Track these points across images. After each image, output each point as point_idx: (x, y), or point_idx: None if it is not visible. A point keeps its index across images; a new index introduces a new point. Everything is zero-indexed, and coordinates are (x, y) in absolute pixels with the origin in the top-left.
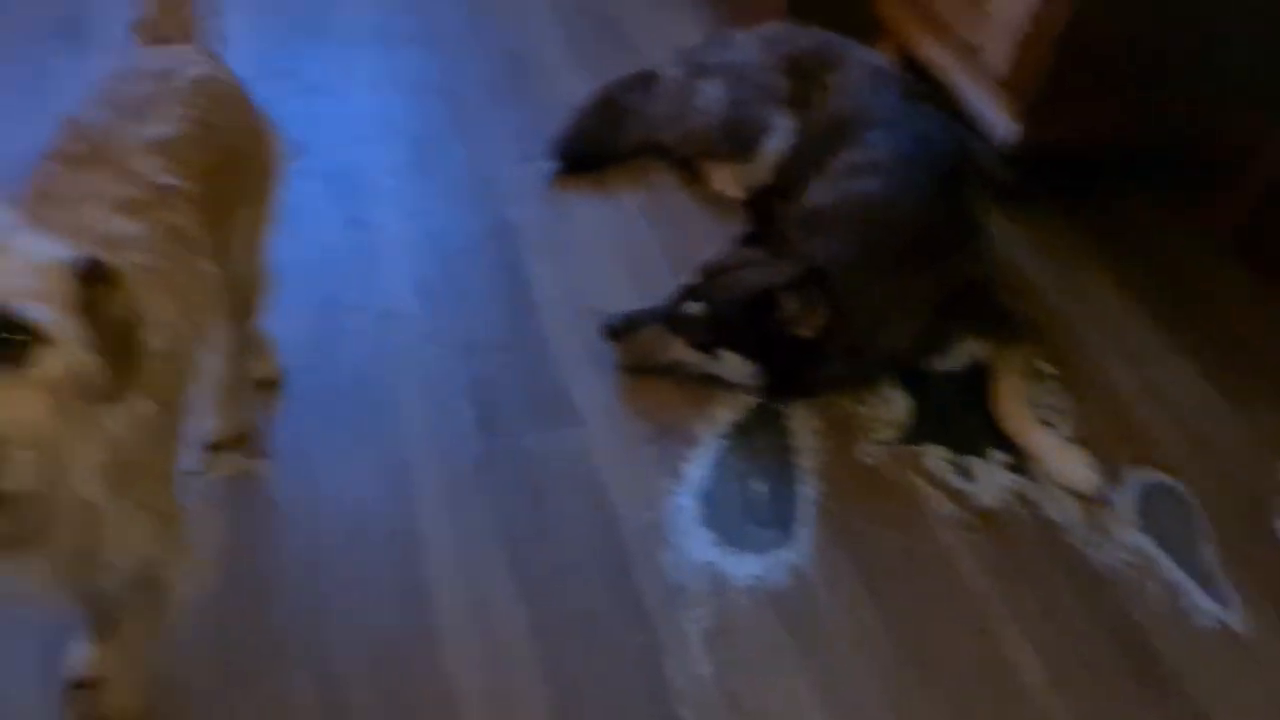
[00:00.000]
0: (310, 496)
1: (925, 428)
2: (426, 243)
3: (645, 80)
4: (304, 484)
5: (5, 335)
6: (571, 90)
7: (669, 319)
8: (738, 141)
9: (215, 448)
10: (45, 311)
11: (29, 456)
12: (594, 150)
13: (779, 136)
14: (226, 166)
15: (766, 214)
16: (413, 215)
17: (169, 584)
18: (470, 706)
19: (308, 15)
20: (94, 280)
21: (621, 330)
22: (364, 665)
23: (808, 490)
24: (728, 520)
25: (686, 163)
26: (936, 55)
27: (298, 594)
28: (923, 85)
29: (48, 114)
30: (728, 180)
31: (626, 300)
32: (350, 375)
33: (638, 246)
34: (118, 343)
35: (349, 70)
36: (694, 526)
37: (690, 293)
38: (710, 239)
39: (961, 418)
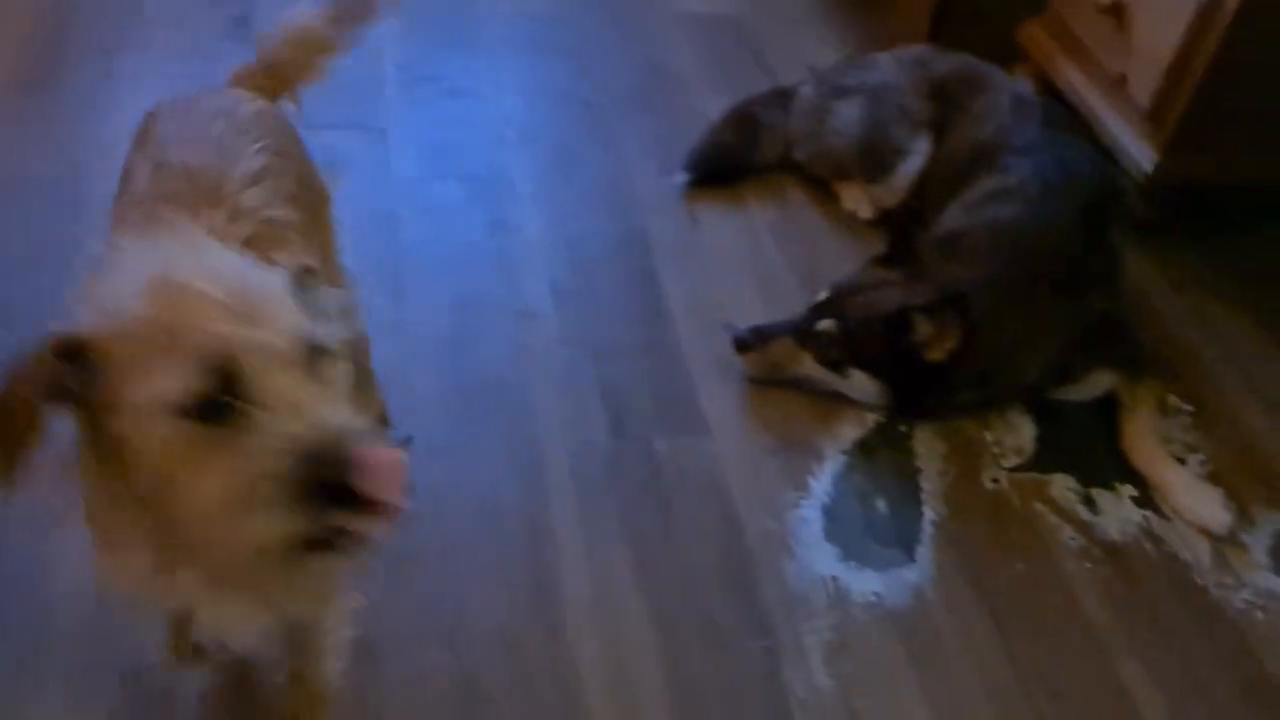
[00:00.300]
0: (446, 484)
1: (1052, 457)
2: (564, 247)
3: (782, 97)
4: (440, 471)
5: (315, 357)
6: (708, 105)
7: (799, 334)
8: (873, 163)
9: None
10: (328, 328)
11: None
12: (729, 164)
13: (915, 160)
14: (302, 194)
15: (902, 236)
16: (551, 220)
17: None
18: (594, 696)
19: (455, 24)
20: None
21: (751, 342)
22: (495, 649)
23: (930, 512)
24: (850, 536)
25: (819, 181)
26: (1078, 83)
27: (433, 576)
28: (1066, 113)
29: None
30: (860, 201)
31: (754, 313)
32: (487, 370)
33: (767, 261)
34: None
35: (493, 77)
36: (816, 539)
37: (822, 309)
38: (839, 258)
39: (1090, 449)
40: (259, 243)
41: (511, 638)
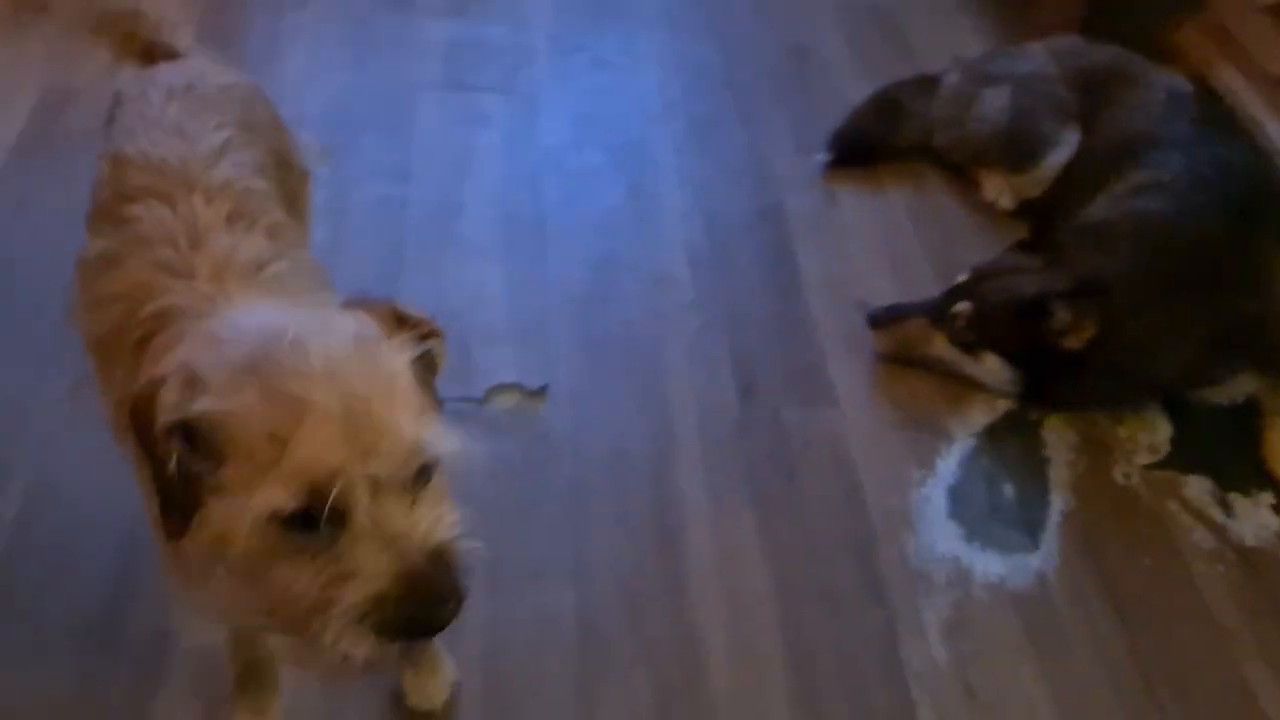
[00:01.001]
0: (577, 432)
1: (1188, 457)
2: (701, 217)
3: (927, 83)
4: (573, 422)
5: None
6: (849, 88)
7: (935, 314)
8: (1018, 152)
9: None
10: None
11: None
12: (869, 146)
13: (1064, 150)
14: (275, 167)
15: (1044, 224)
16: (690, 190)
17: None
18: (713, 650)
19: None
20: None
21: (885, 320)
22: (617, 595)
23: (1058, 501)
24: (974, 517)
25: (959, 168)
26: (1235, 84)
27: (561, 521)
28: (1221, 112)
29: (364, 65)
30: (1000, 189)
31: (886, 293)
32: (622, 329)
33: (902, 244)
34: None
35: (638, 50)
36: (940, 518)
37: (960, 291)
38: (974, 245)
39: (1228, 452)
40: (240, 217)
41: (634, 586)
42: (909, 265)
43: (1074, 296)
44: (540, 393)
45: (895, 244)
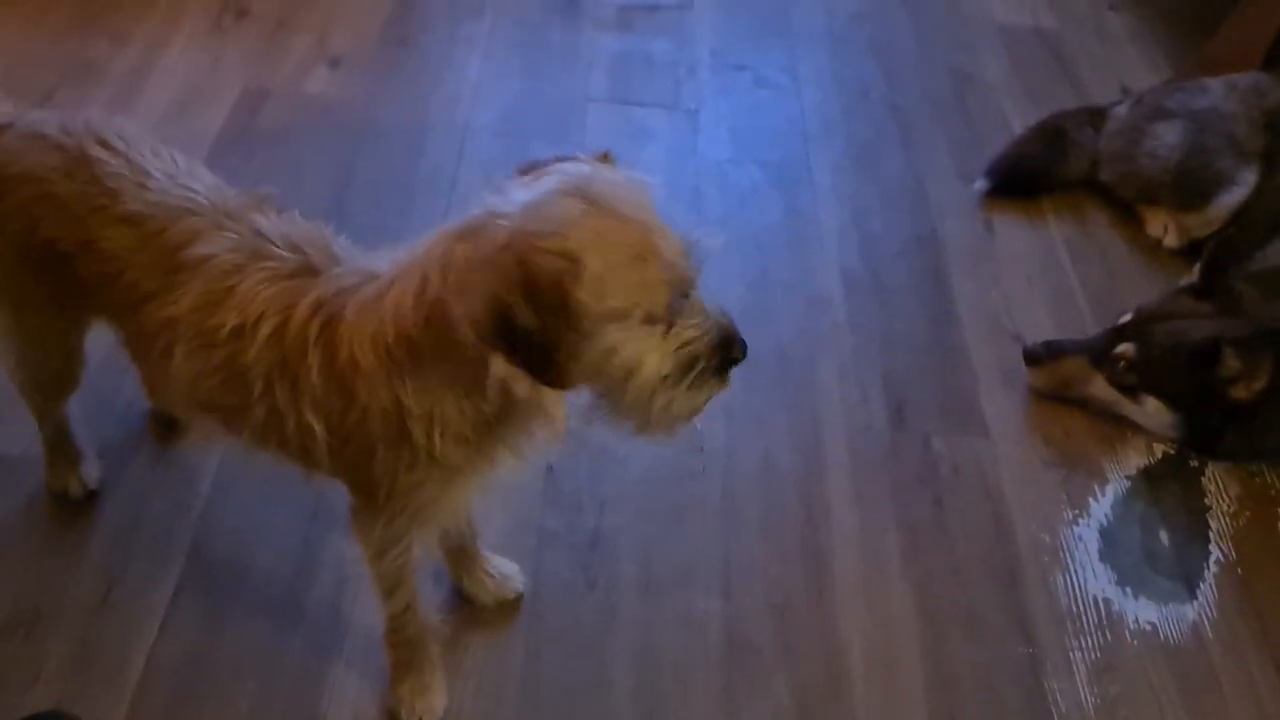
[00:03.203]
0: (728, 444)
1: None
2: (857, 239)
3: (1094, 115)
4: (725, 435)
5: None
6: (1013, 117)
7: (1095, 354)
8: (1189, 191)
9: None
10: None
11: None
12: (1031, 176)
13: (1238, 191)
14: None
15: (1217, 268)
16: (846, 211)
17: None
18: (855, 668)
19: (768, 16)
20: None
21: (1042, 356)
22: (763, 606)
23: (1217, 553)
24: (1127, 561)
25: (1124, 204)
26: None
27: (710, 528)
28: None
29: (535, 75)
30: (1165, 227)
31: (1043, 327)
32: (775, 347)
33: (1061, 278)
34: None
35: (800, 69)
36: (1091, 559)
37: (1123, 332)
38: (1136, 284)
39: None
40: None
41: (780, 598)
42: (1066, 300)
43: (1248, 344)
44: None
45: (1053, 278)
